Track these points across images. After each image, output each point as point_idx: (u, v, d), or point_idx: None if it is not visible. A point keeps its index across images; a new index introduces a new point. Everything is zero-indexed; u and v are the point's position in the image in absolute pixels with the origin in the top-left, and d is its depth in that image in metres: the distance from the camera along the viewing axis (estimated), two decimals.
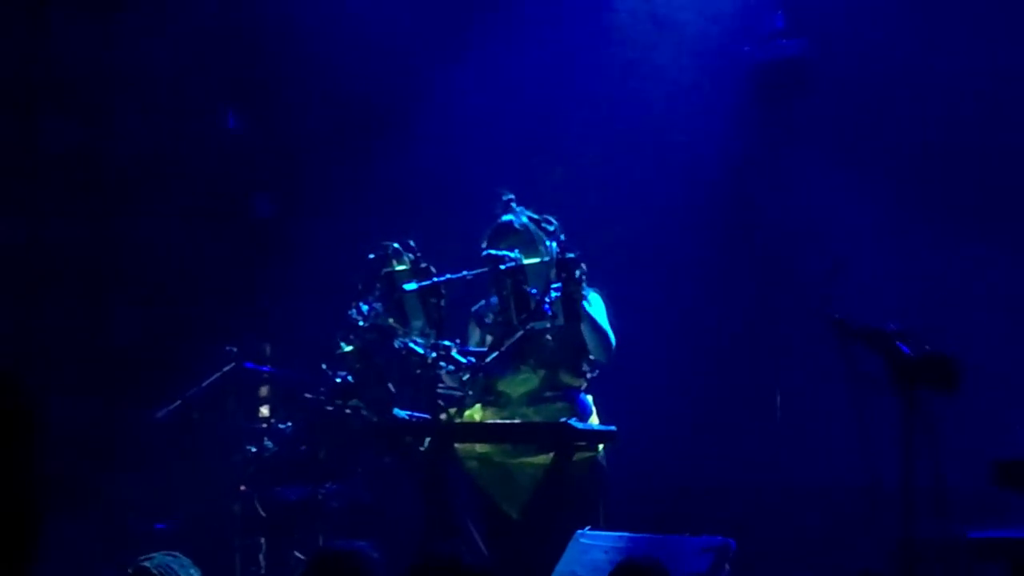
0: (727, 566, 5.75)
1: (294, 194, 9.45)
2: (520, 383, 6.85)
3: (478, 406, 6.81)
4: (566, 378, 6.86)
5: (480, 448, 6.75)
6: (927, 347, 5.59)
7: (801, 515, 8.43)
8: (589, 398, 6.92)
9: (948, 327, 7.37)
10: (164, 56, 9.22)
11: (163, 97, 9.26)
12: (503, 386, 6.85)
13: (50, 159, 9.06)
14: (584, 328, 6.71)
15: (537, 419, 6.78)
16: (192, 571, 5.09)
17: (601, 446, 6.77)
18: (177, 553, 5.16)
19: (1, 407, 2.81)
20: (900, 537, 5.51)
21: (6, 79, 8.96)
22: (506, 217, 6.94)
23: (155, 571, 5.05)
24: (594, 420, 6.86)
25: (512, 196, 7.00)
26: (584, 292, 6.73)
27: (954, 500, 5.67)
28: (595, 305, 6.81)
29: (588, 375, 6.91)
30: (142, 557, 5.14)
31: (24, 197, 9.00)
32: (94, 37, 9.13)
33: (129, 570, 5.13)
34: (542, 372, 6.84)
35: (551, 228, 6.88)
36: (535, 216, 6.95)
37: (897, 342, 5.56)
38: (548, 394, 6.85)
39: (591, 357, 6.84)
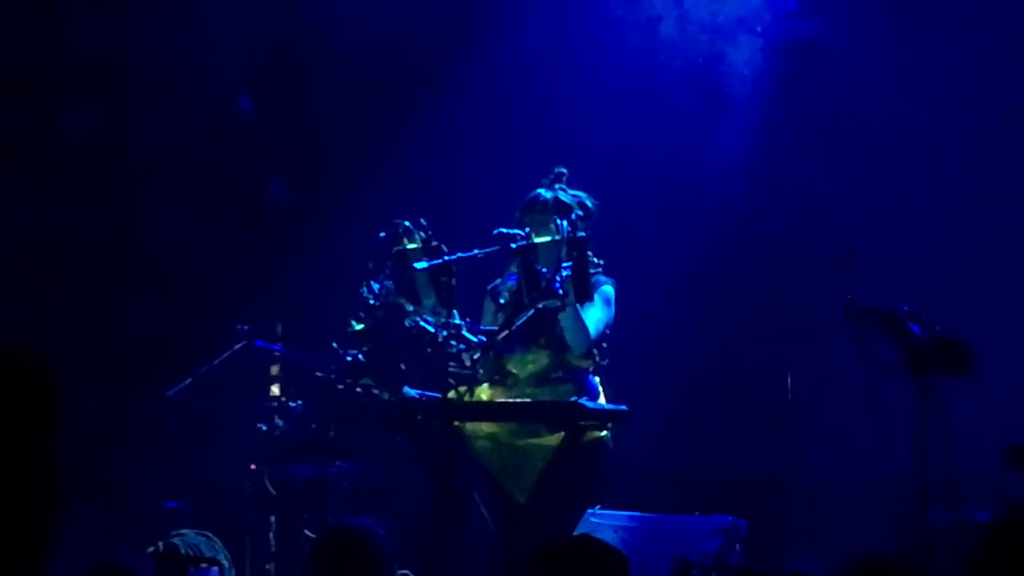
0: (738, 547, 5.74)
1: (307, 176, 9.43)
2: (529, 363, 6.83)
3: (485, 385, 6.80)
4: (574, 359, 6.83)
5: (487, 428, 6.73)
6: (939, 328, 5.57)
7: (811, 498, 8.41)
8: (596, 379, 6.89)
9: (962, 310, 7.36)
10: (180, 44, 9.20)
11: (178, 85, 9.25)
12: (512, 366, 6.83)
13: (65, 147, 9.04)
14: (568, 312, 6.66)
15: (543, 399, 6.76)
16: (220, 556, 5.06)
17: (608, 427, 6.75)
18: (210, 534, 5.12)
19: (26, 393, 2.77)
20: (912, 521, 5.50)
21: (21, 67, 8.95)
22: (539, 190, 6.91)
23: (183, 549, 5.02)
24: (601, 402, 6.83)
25: (564, 171, 6.97)
26: (598, 279, 6.71)
27: (966, 484, 5.66)
28: (600, 296, 6.77)
29: (597, 357, 6.88)
30: (173, 532, 5.10)
31: (39, 185, 8.99)
32: (109, 24, 9.12)
33: (159, 543, 5.10)
34: (551, 352, 6.81)
35: (579, 212, 6.78)
36: (569, 195, 6.88)
37: (909, 323, 5.54)
38: (556, 375, 6.82)
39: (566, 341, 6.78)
